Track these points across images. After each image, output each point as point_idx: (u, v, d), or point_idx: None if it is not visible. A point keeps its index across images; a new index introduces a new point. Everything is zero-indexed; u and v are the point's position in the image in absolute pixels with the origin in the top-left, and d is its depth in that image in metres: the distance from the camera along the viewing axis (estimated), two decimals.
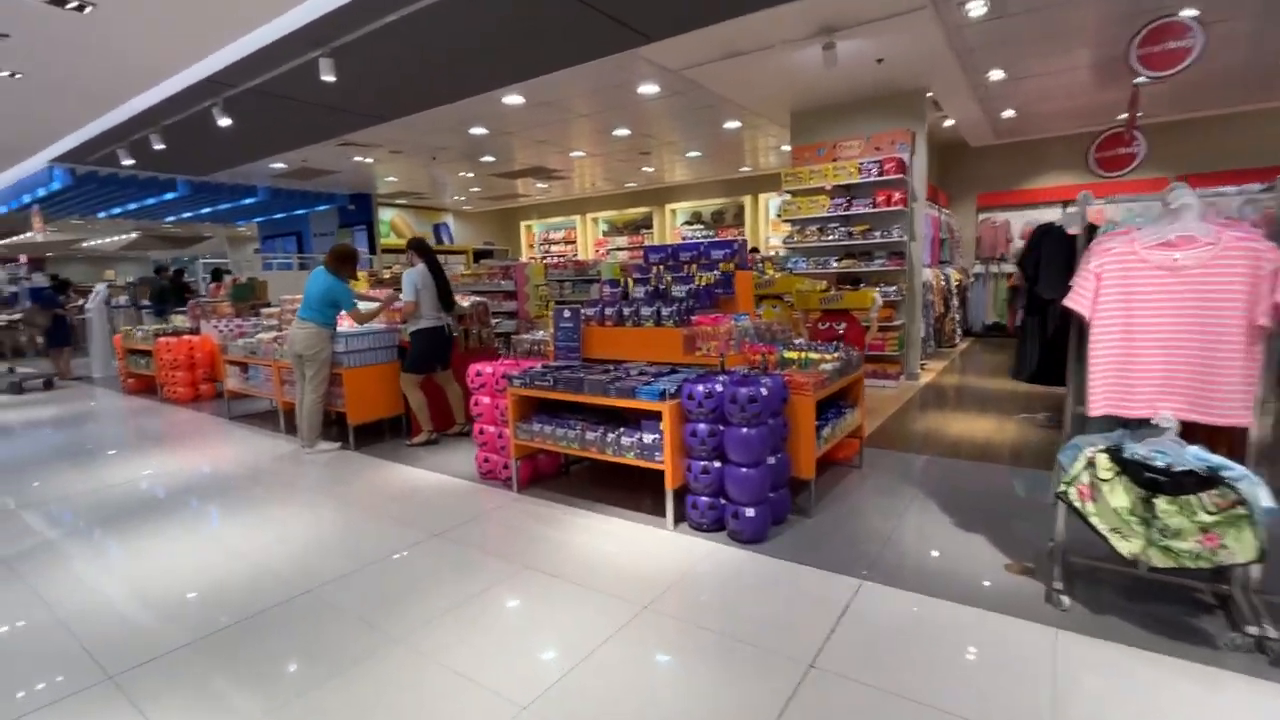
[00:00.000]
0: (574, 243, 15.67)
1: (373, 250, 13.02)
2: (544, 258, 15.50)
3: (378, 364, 5.13)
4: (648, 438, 3.24)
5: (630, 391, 3.25)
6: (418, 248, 5.01)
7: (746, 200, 12.65)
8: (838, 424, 3.63)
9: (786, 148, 9.43)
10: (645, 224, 14.62)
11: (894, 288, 6.60)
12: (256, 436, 5.56)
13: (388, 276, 9.33)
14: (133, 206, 11.73)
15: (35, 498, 4.12)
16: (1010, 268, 9.77)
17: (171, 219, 13.63)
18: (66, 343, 9.31)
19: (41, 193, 9.73)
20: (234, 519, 3.66)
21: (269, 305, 8.14)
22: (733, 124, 8.04)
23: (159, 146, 7.30)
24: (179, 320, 8.04)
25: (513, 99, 6.63)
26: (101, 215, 12.66)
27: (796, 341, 4.29)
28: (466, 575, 2.86)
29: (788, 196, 7.27)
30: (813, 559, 2.89)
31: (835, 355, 3.65)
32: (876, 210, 6.65)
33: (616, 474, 3.98)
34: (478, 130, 7.92)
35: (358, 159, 9.42)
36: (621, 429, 3.38)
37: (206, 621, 2.55)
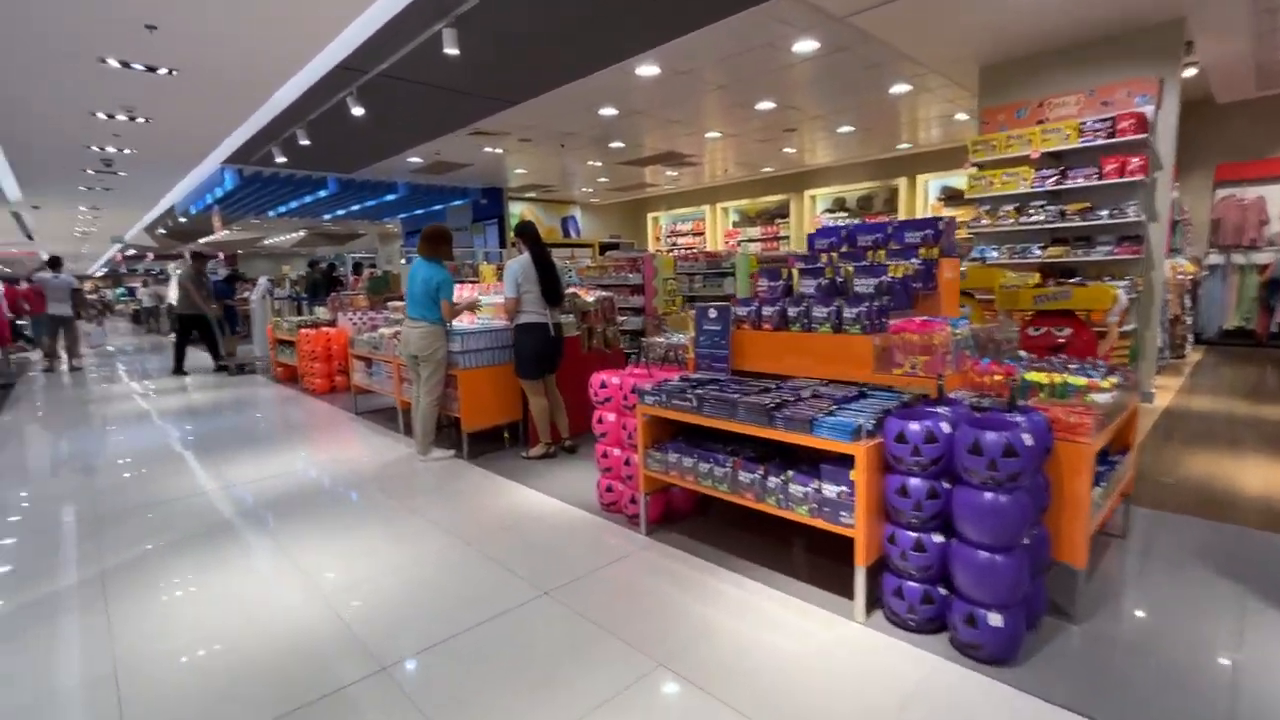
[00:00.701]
0: (702, 234, 14.79)
1: (502, 244, 12.96)
2: (670, 250, 14.77)
3: (495, 365, 4.58)
4: (830, 490, 2.30)
5: (807, 424, 2.33)
6: (525, 234, 4.37)
7: (901, 183, 11.07)
8: (1110, 481, 2.46)
9: (962, 116, 7.92)
10: (781, 213, 13.41)
11: (1123, 282, 5.06)
12: (375, 436, 5.27)
13: None
14: (294, 204, 12.46)
15: (112, 506, 3.96)
16: (1266, 257, 7.56)
17: (328, 216, 14.49)
18: (234, 332, 9.95)
19: (219, 193, 10.48)
20: (323, 542, 3.19)
21: (401, 300, 8.06)
22: (900, 88, 6.74)
23: (305, 142, 7.36)
24: (322, 312, 8.17)
25: (647, 69, 5.87)
26: (270, 214, 13.65)
27: (1022, 356, 3.13)
28: (581, 668, 2.10)
29: (973, 170, 5.89)
30: (1106, 709, 1.82)
31: (1111, 381, 2.47)
32: (1102, 183, 5.13)
33: (776, 521, 3.08)
34: (607, 111, 7.27)
35: (488, 150, 9.17)
36: (790, 473, 2.47)
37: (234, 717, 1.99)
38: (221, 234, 19.16)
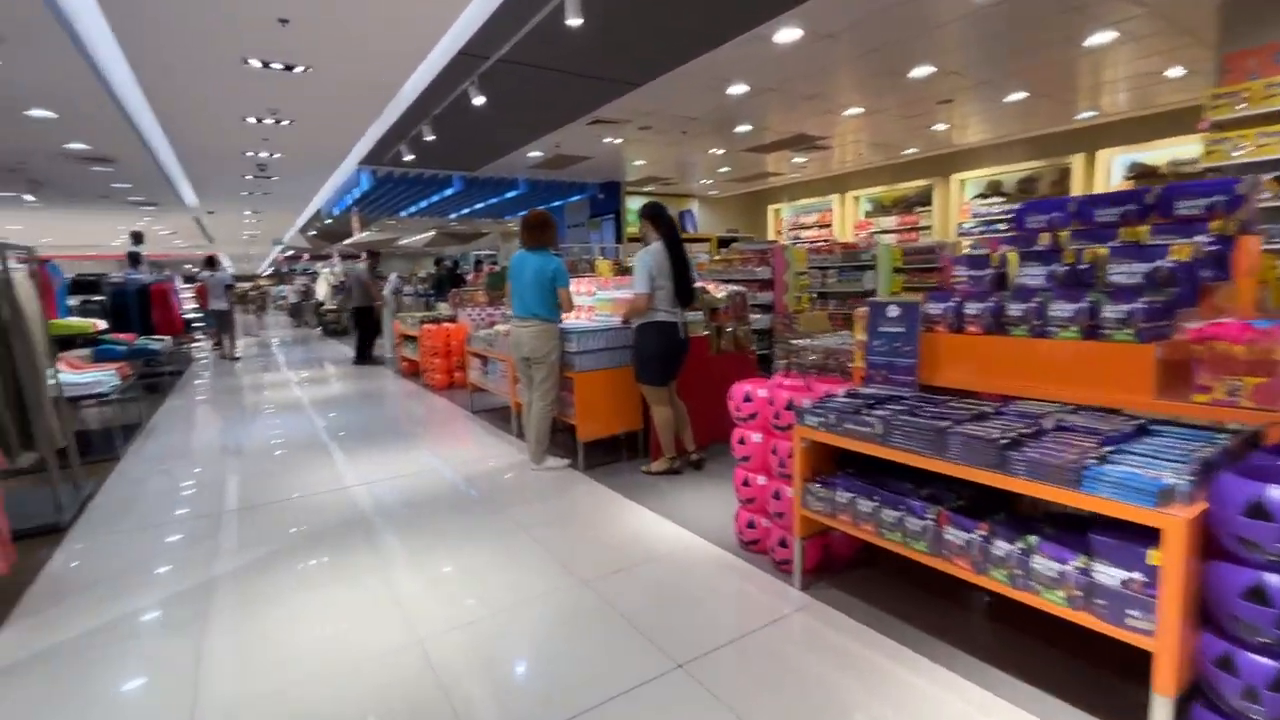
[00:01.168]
0: (829, 226, 13.66)
1: (619, 239, 12.66)
2: (793, 244, 13.77)
3: (613, 368, 4.11)
4: (1108, 574, 1.55)
5: (1071, 475, 1.59)
6: (653, 215, 3.81)
7: (1075, 160, 9.44)
8: None
9: (1176, 71, 6.45)
10: (921, 200, 12.03)
11: None
12: (489, 438, 5.00)
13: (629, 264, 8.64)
14: (423, 204, 12.90)
15: (229, 500, 3.86)
16: None
17: (454, 216, 14.98)
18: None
19: (356, 193, 10.99)
20: (429, 559, 2.85)
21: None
22: (1102, 37, 5.51)
23: (430, 138, 7.35)
24: (444, 308, 8.20)
25: (787, 33, 5.15)
26: (402, 214, 14.29)
27: None
28: None
29: (1211, 132, 4.62)
30: None
31: None
32: None
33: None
34: (736, 89, 6.62)
35: (607, 140, 8.82)
36: (1033, 539, 1.73)
37: None
38: (361, 235, 20.59)
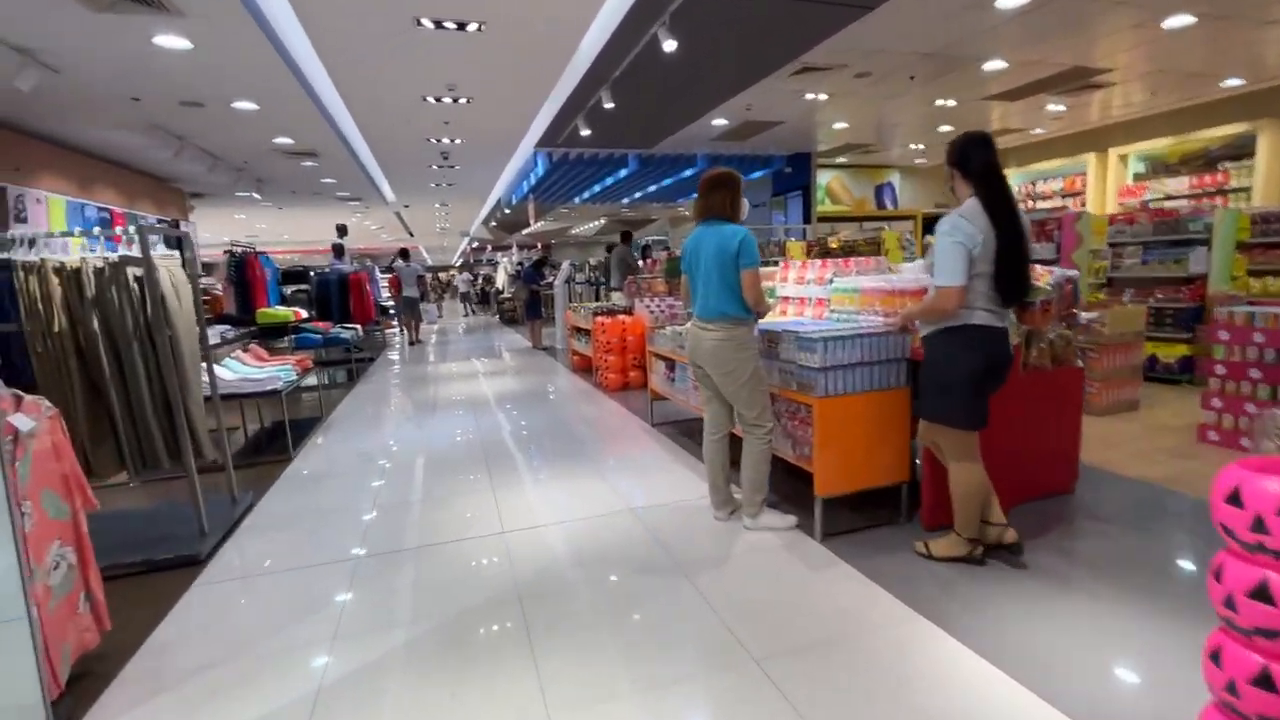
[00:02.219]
0: (1078, 194, 10.80)
1: (807, 219, 11.03)
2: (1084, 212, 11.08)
3: (874, 390, 2.76)
4: None
5: None
6: (963, 155, 2.34)
7: None
8: None
9: None
10: (1231, 154, 8.86)
11: None
12: (677, 466, 3.90)
13: (836, 245, 7.08)
14: (596, 189, 12.31)
15: (362, 542, 3.08)
16: None
17: (626, 200, 14.31)
18: (538, 315, 9.98)
19: (533, 179, 10.62)
20: (595, 690, 1.77)
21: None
22: None
23: (609, 105, 6.44)
24: (618, 298, 7.33)
25: None
26: (576, 200, 13.89)
27: None
28: None
29: None
30: None
31: None
32: None
33: None
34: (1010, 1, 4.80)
35: (809, 97, 7.31)
36: None
37: None
38: (537, 225, 20.96)
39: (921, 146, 10.90)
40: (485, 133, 8.06)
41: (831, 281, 3.34)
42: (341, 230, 10.92)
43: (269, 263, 7.96)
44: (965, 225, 2.24)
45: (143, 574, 2.72)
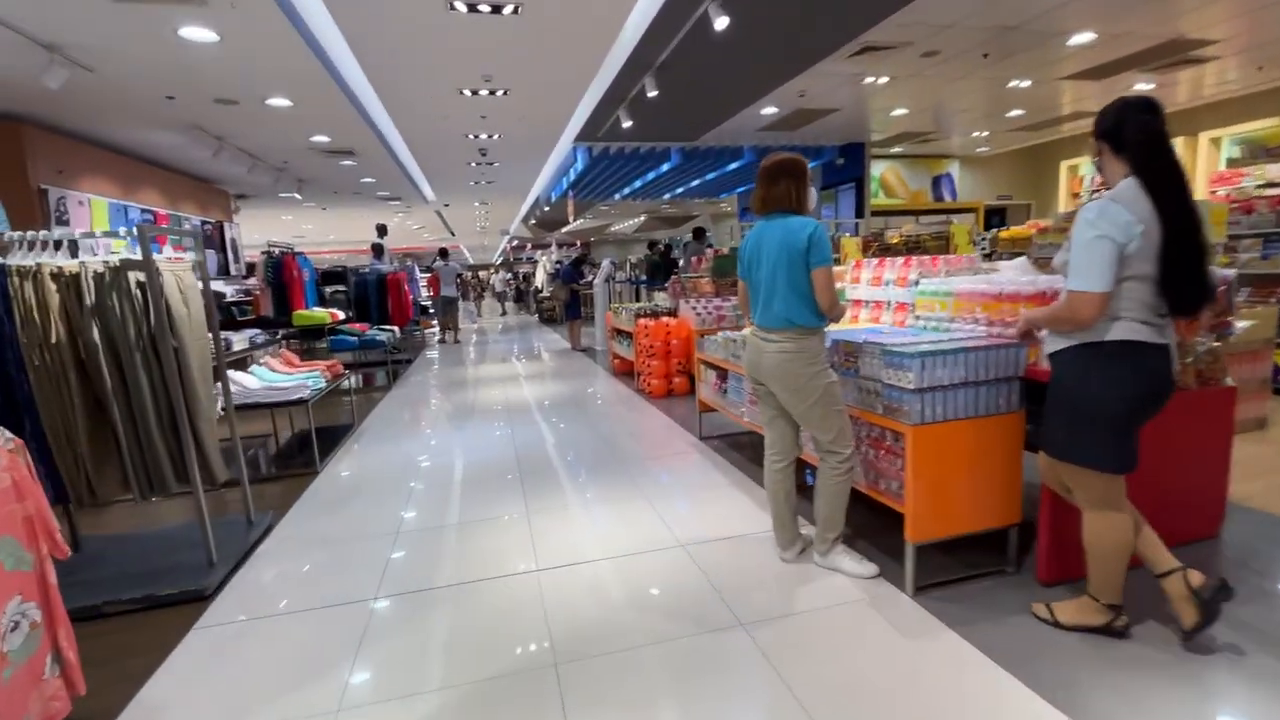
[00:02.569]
0: None
1: (860, 213, 10.40)
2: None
3: (977, 416, 2.27)
4: None
5: None
6: (1122, 130, 1.82)
7: None
8: None
9: None
10: None
11: None
12: (734, 491, 3.47)
13: (897, 241, 6.50)
14: (637, 184, 11.92)
15: (382, 582, 2.74)
16: None
17: (667, 196, 13.87)
18: (578, 315, 9.65)
19: (572, 175, 10.30)
20: None
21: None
22: None
23: (652, 93, 6.03)
24: (661, 299, 6.92)
25: None
26: (615, 196, 13.53)
27: None
28: None
29: None
30: None
31: None
32: None
33: None
34: None
35: (868, 80, 6.74)
36: None
37: None
38: (575, 223, 20.72)
39: (986, 134, 10.13)
40: (523, 127, 7.75)
41: (916, 283, 2.85)
42: (381, 230, 10.82)
43: (306, 263, 7.84)
44: (1118, 214, 1.75)
45: (143, 611, 2.46)
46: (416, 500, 3.57)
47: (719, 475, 3.71)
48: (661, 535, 2.94)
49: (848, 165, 10.38)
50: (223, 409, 3.93)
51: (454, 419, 5.54)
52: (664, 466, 3.95)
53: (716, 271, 6.58)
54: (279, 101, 5.83)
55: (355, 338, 7.25)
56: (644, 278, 11.61)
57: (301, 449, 4.71)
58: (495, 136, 8.14)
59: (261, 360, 4.67)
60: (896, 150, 11.06)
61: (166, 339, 2.58)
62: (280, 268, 7.15)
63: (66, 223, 6.00)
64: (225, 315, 8.23)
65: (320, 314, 6.89)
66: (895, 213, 10.99)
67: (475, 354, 10.12)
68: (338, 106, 6.08)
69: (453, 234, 23.73)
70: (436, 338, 12.44)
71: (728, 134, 9.06)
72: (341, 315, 7.60)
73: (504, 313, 19.65)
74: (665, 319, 5.98)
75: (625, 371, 7.20)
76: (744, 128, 8.70)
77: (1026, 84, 7.20)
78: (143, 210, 7.35)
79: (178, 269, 2.78)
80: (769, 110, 7.79)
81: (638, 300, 14.18)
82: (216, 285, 8.69)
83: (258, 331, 4.99)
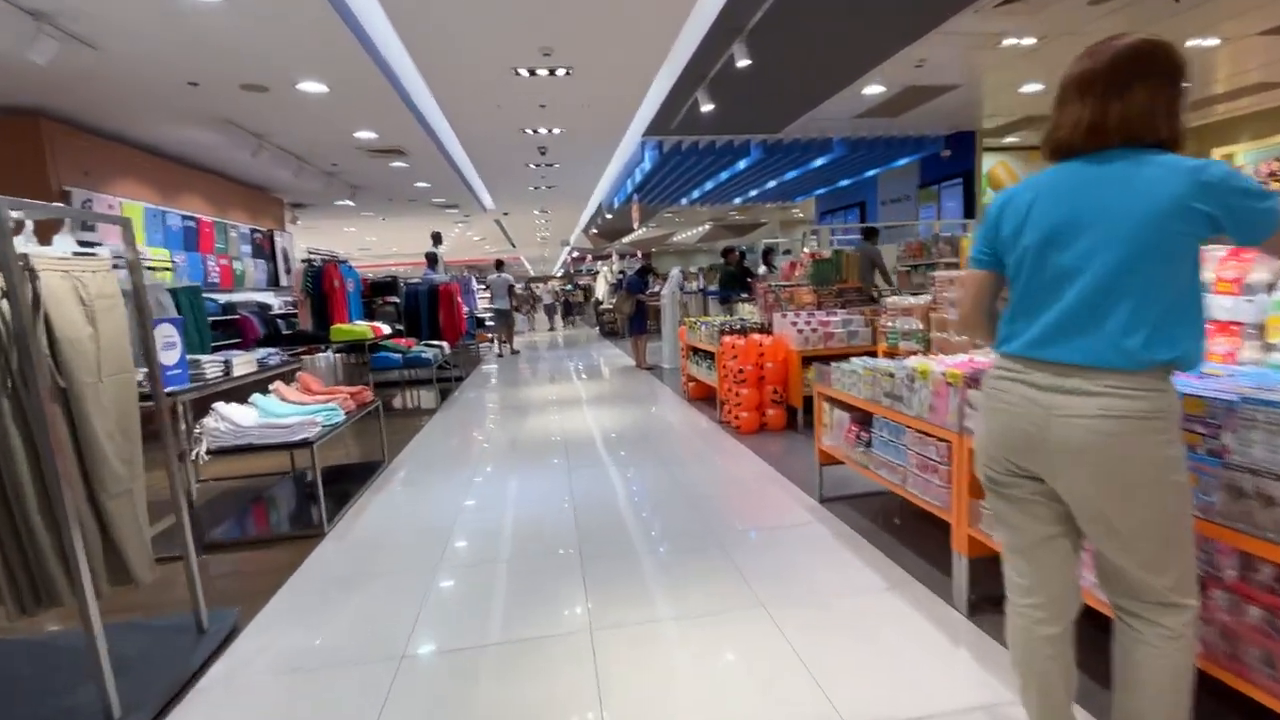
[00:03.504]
0: None
1: (970, 213, 8.93)
2: None
3: None
4: None
5: None
6: None
7: None
8: None
9: None
10: None
11: None
12: (893, 603, 2.27)
13: None
14: (708, 186, 10.82)
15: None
16: None
17: (739, 199, 12.70)
18: (643, 330, 8.60)
19: (638, 176, 9.31)
20: None
21: (879, 294, 5.09)
22: None
23: (743, 63, 4.92)
24: (747, 310, 5.76)
25: None
26: (683, 201, 12.47)
27: None
28: None
29: None
30: None
31: None
32: None
33: None
34: None
35: (1009, 43, 5.42)
36: None
37: None
38: (638, 232, 19.80)
39: None
40: (588, 117, 6.79)
41: (1274, 288, 1.60)
42: (436, 238, 10.15)
43: (351, 273, 7.12)
44: None
45: None
46: (439, 593, 2.55)
47: (871, 574, 2.51)
48: (799, 692, 1.79)
49: (954, 158, 8.95)
50: (197, 455, 3.06)
51: (501, 456, 4.56)
52: (782, 550, 2.78)
53: (817, 278, 5.38)
54: (312, 86, 5.07)
55: (400, 354, 6.44)
56: (714, 288, 10.47)
57: (309, 500, 3.81)
58: (556, 131, 7.23)
59: (273, 387, 3.81)
60: (1011, 140, 9.51)
61: (42, 379, 1.64)
62: (320, 277, 6.43)
63: (93, 228, 5.42)
64: (269, 329, 7.64)
65: (361, 328, 6.10)
66: None
67: (532, 370, 9.23)
68: (378, 93, 5.27)
69: (513, 245, 23.30)
70: (495, 351, 11.91)
71: (816, 124, 7.85)
72: (386, 329, 6.82)
73: (552, 328, 18.29)
74: (756, 337, 4.82)
75: (702, 397, 6.08)
76: (838, 114, 7.46)
77: (1214, 42, 5.68)
78: (184, 217, 6.81)
79: (81, 269, 1.86)
80: (873, 90, 6.54)
81: (706, 313, 13.06)
82: (263, 297, 8.14)
83: (272, 351, 4.15)
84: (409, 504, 3.69)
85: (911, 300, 3.29)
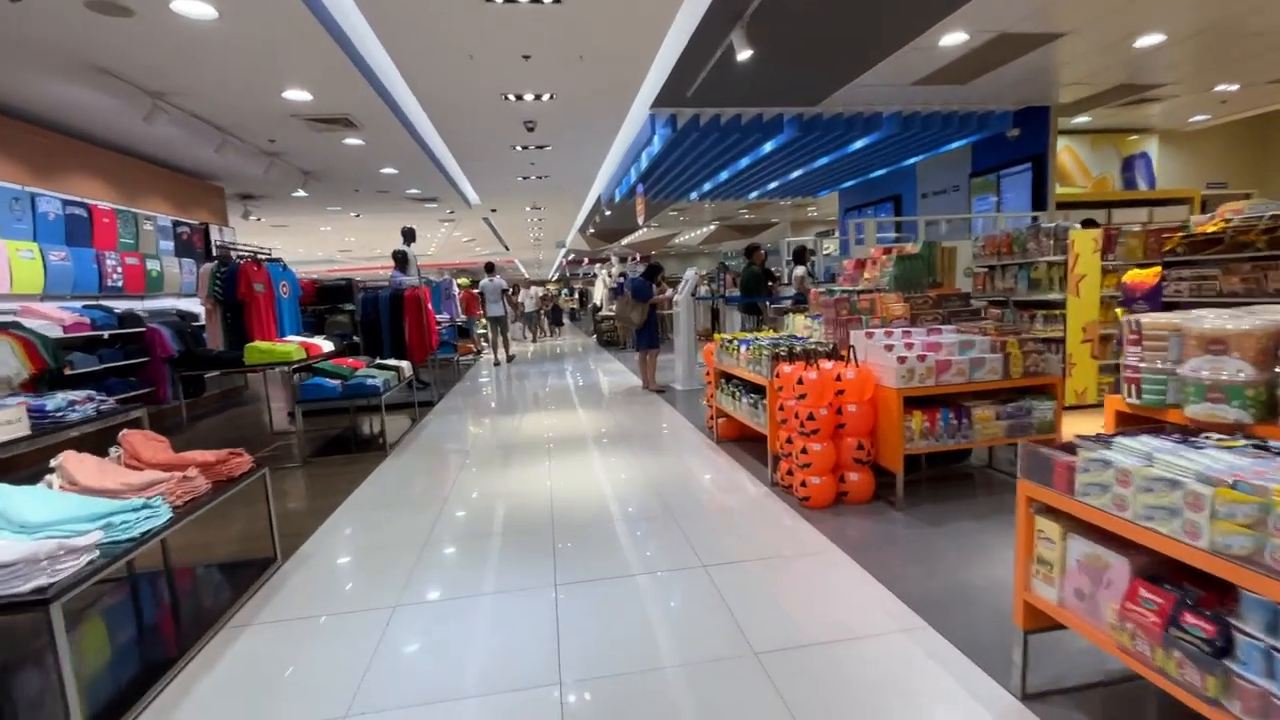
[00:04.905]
0: None
1: (1040, 204, 7.42)
2: None
3: None
4: None
5: None
6: None
7: None
8: None
9: None
10: None
11: None
12: None
13: (1215, 229, 3.59)
14: (723, 176, 9.30)
15: None
16: None
17: (754, 194, 11.18)
18: (654, 344, 7.05)
19: (644, 161, 7.79)
20: None
21: (972, 298, 3.57)
22: None
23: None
24: (801, 323, 4.21)
25: None
26: (692, 197, 10.95)
27: None
28: None
29: None
30: None
31: None
32: None
33: None
34: None
35: None
36: None
37: None
38: (639, 233, 18.28)
39: (1234, 87, 6.98)
40: (584, 77, 5.28)
41: None
42: (408, 235, 8.58)
43: (285, 274, 5.56)
44: None
45: None
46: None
47: None
48: None
49: (1024, 138, 7.44)
50: None
51: (456, 551, 3.01)
52: None
53: (903, 281, 3.84)
54: (193, 7, 3.52)
55: (340, 379, 4.88)
56: (732, 294, 8.95)
57: (159, 629, 2.25)
58: (545, 97, 5.71)
59: (57, 461, 2.26)
60: (1081, 120, 8.02)
61: None
62: (233, 280, 4.87)
63: None
64: (187, 345, 6.07)
65: (283, 348, 4.55)
66: (1076, 205, 7.93)
67: (518, 393, 7.67)
68: (298, 26, 3.74)
69: (506, 247, 21.78)
70: (492, 359, 10.73)
71: (863, 94, 6.34)
72: (329, 346, 5.27)
73: (535, 338, 15.40)
74: (830, 366, 3.27)
75: (733, 438, 4.55)
76: (894, 80, 5.96)
77: None
78: (67, 202, 5.25)
79: None
80: (952, 39, 5.02)
81: (715, 322, 11.54)
82: (188, 304, 6.57)
83: (80, 396, 2.61)
84: (284, 664, 2.13)
85: (1209, 324, 1.58)
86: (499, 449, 4.82)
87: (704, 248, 24.21)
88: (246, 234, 13.10)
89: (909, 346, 3.17)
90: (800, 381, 3.19)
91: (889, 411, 3.12)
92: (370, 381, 4.77)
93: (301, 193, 8.44)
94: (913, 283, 3.85)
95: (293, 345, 4.65)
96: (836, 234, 11.96)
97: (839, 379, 3.20)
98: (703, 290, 8.64)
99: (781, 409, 3.40)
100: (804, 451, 3.20)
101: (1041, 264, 5.03)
